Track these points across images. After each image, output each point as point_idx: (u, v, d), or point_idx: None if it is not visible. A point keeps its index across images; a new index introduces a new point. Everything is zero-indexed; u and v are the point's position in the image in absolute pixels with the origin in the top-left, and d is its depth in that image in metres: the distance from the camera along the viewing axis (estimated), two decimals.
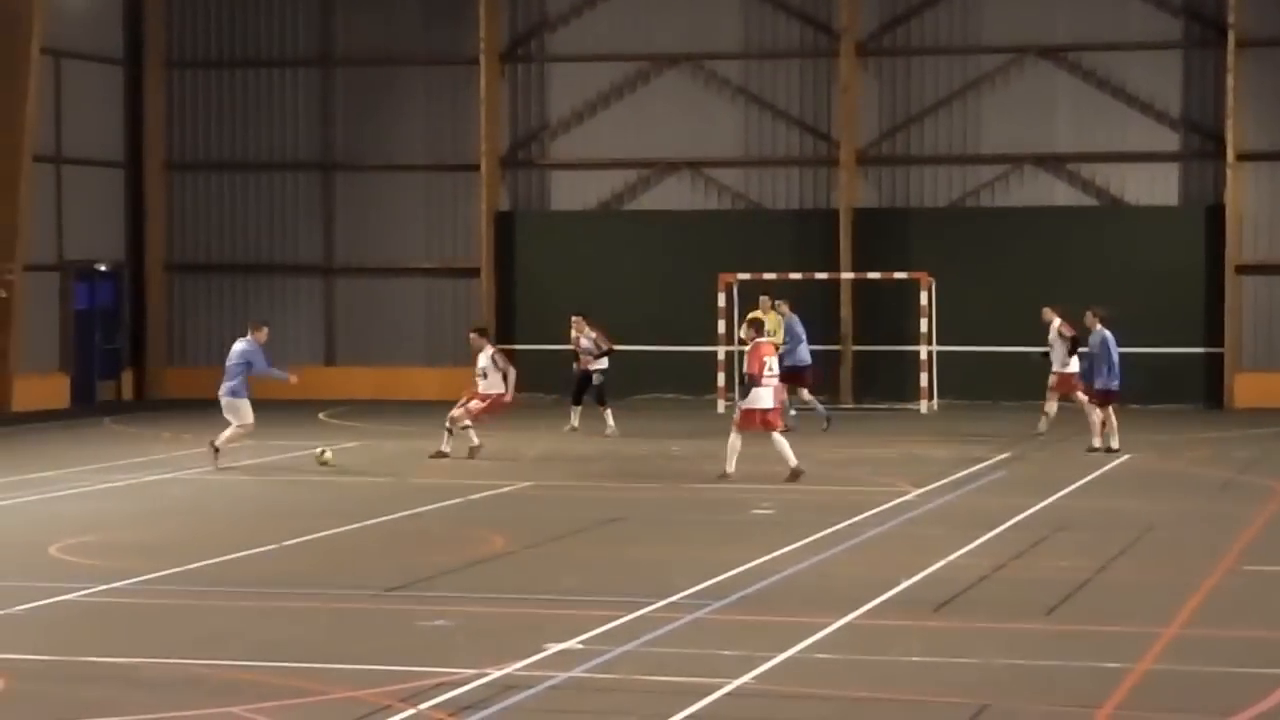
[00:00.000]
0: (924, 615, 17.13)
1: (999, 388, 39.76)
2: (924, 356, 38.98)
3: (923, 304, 38.62)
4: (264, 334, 29.75)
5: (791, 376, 32.45)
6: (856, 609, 17.12)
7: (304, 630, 16.76)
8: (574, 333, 34.36)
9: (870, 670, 14.93)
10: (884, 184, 42.11)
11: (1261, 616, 17.11)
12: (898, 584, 18.43)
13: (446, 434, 29.96)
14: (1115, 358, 30.52)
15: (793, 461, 26.58)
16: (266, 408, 33.60)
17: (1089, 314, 31.11)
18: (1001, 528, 22.41)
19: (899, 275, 39.54)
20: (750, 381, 26.54)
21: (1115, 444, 30.49)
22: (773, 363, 26.84)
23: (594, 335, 34.17)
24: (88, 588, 18.63)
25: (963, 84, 41.62)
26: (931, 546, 20.75)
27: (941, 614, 17.26)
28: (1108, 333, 30.62)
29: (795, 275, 39.95)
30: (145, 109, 44.41)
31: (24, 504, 25.49)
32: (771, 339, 28.47)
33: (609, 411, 33.63)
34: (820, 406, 34.64)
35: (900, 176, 42.06)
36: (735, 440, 26.80)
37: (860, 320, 40.39)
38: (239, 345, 29.35)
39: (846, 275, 40.77)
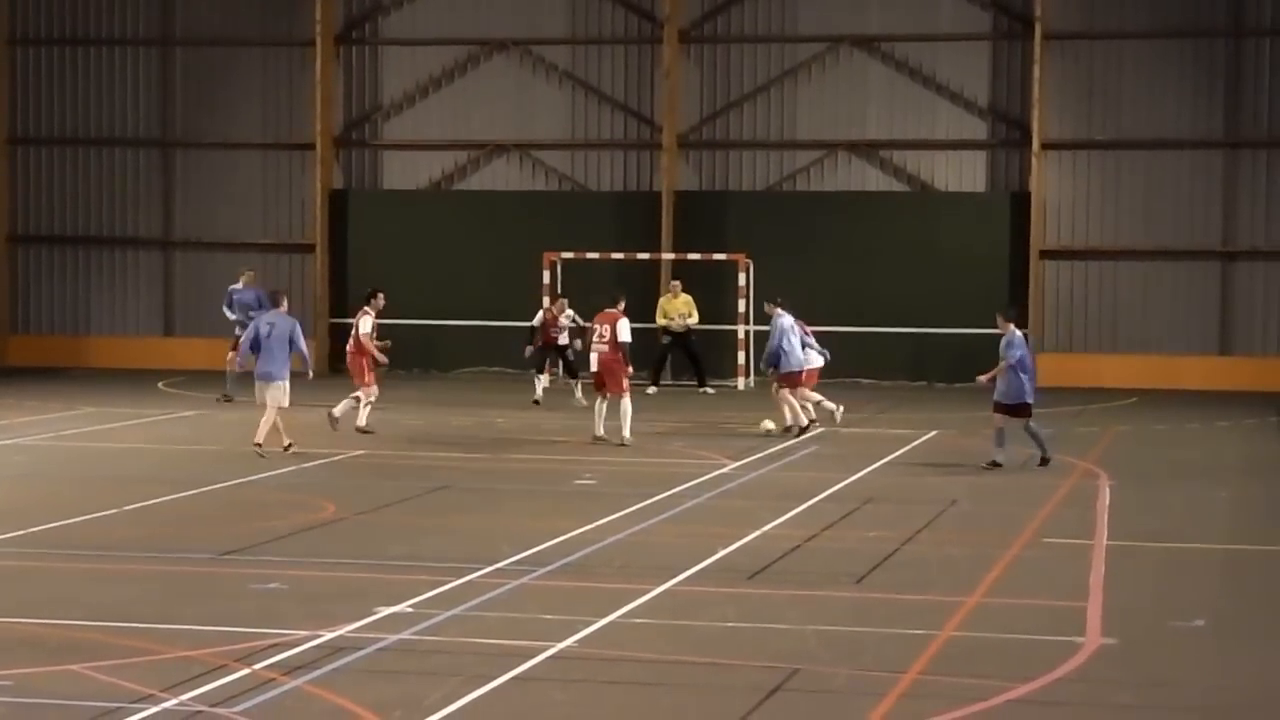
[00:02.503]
0: (739, 583, 17.53)
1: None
2: (741, 335, 39.64)
3: (740, 284, 39.27)
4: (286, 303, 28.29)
5: (789, 378, 30.22)
6: (674, 577, 17.52)
7: (141, 592, 16.92)
8: (555, 311, 36.03)
9: (687, 635, 15.26)
10: (704, 167, 42.61)
11: (1058, 587, 17.48)
12: (714, 553, 18.84)
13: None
14: (796, 341, 30.08)
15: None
16: (106, 377, 33.85)
17: (767, 304, 30.85)
18: (813, 500, 22.82)
19: (718, 256, 40.06)
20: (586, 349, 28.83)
21: (805, 421, 30.35)
22: (603, 330, 28.61)
23: (573, 314, 35.79)
24: None
25: (780, 72, 42.12)
26: (746, 517, 21.16)
27: (755, 582, 17.66)
28: (787, 318, 30.20)
29: (618, 255, 40.56)
30: None
31: None
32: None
33: (579, 384, 34.56)
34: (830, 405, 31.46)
35: (720, 160, 42.56)
36: (602, 405, 29.02)
37: None
38: (279, 318, 27.19)
39: (668, 256, 41.22)
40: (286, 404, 26.87)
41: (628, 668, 14.24)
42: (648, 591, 16.87)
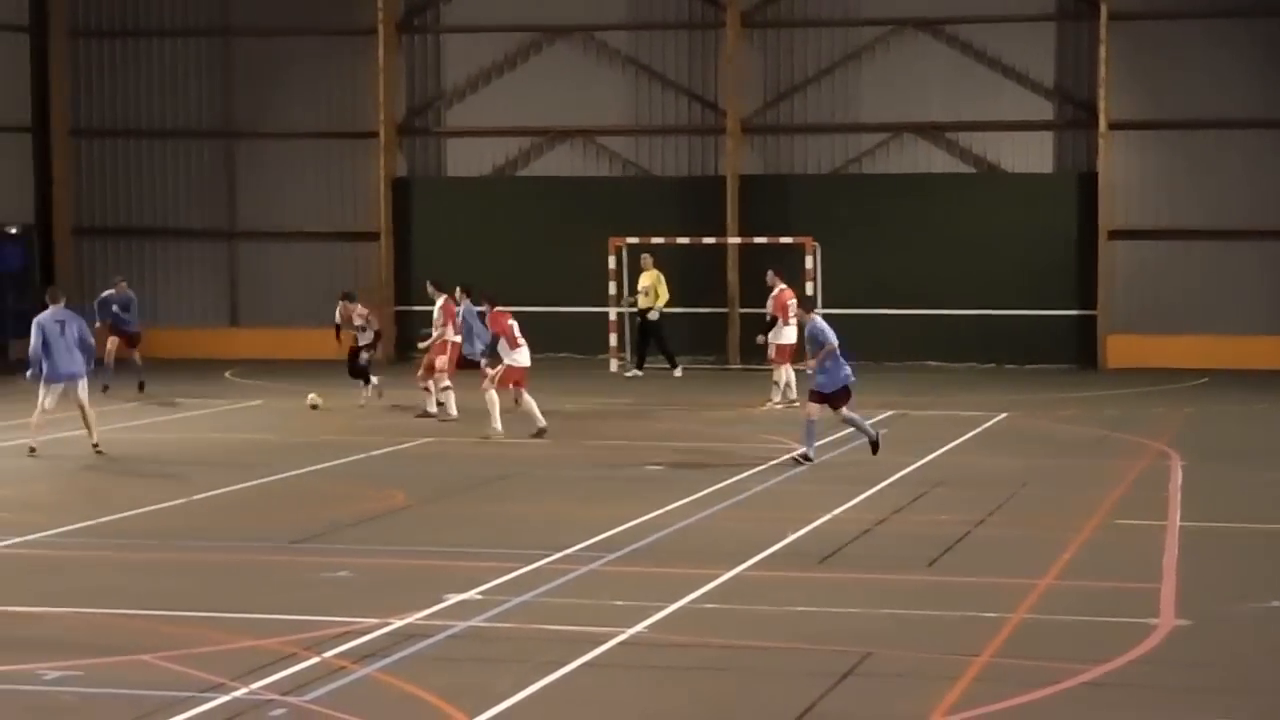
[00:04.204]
0: (809, 567, 17.53)
1: (881, 349, 40.49)
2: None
3: (807, 268, 39.19)
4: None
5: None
6: (744, 561, 17.53)
7: (211, 582, 17.06)
8: (349, 310, 33.16)
9: (758, 620, 15.26)
10: (768, 151, 42.55)
11: (1131, 569, 17.47)
12: (783, 537, 18.86)
13: (428, 394, 30.42)
14: (477, 328, 29.69)
15: (540, 422, 27.46)
16: (172, 367, 34.01)
17: (459, 290, 30.27)
18: (883, 484, 22.82)
19: (784, 240, 40.03)
20: (510, 344, 27.46)
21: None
22: (515, 325, 27.68)
23: (366, 313, 33.30)
24: (1, 541, 18.95)
25: (843, 55, 42.01)
26: (816, 502, 21.17)
27: (825, 566, 17.66)
28: (472, 306, 29.84)
29: (683, 240, 40.56)
30: (51, 76, 44.56)
31: None
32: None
33: (371, 383, 32.75)
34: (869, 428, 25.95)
35: (784, 144, 42.48)
36: (495, 396, 27.57)
37: (746, 284, 40.73)
38: (68, 315, 26.16)
39: (733, 240, 41.28)
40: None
41: (698, 653, 14.18)
42: (718, 576, 16.88)
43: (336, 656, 13.83)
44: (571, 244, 41.43)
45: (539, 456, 25.87)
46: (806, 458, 24.68)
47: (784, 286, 32.78)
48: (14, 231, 44.23)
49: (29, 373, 26.06)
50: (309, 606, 15.68)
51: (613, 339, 39.64)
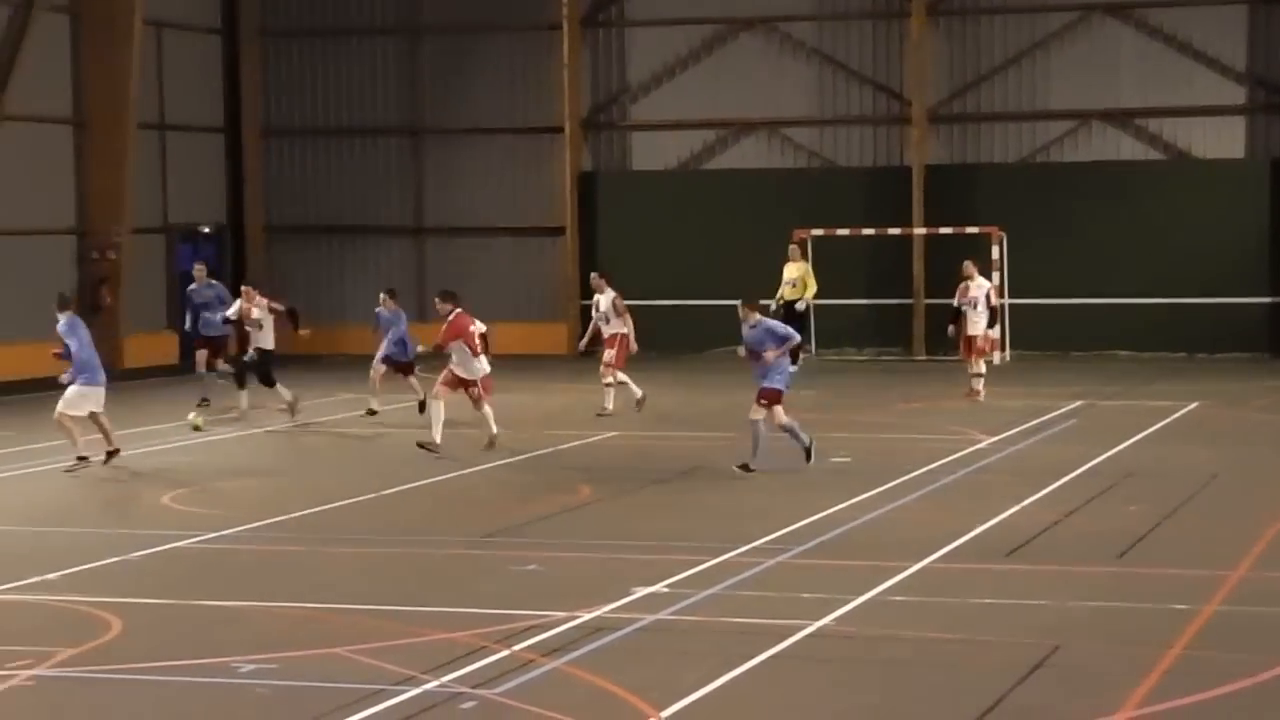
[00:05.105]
0: (997, 560, 17.44)
1: (1069, 339, 40.14)
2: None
3: (994, 258, 38.91)
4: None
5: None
6: (931, 554, 17.48)
7: (401, 576, 17.25)
8: (244, 303, 30.02)
9: (945, 612, 15.17)
10: (955, 141, 42.34)
11: None
12: (971, 530, 18.78)
13: (608, 390, 29.99)
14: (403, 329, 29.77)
15: (493, 429, 25.76)
16: (363, 363, 34.09)
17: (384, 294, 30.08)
18: (1071, 475, 22.64)
19: (970, 230, 39.81)
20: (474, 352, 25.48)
21: (376, 406, 29.98)
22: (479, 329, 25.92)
23: (265, 303, 30.03)
24: (198, 535, 19.31)
25: (1030, 42, 41.74)
26: (1003, 493, 21.08)
27: (1014, 558, 17.54)
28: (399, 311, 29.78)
29: (868, 231, 40.47)
30: (242, 77, 45.40)
31: (138, 456, 26.05)
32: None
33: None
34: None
35: (970, 133, 42.29)
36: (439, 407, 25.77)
37: (932, 274, 40.58)
38: (79, 321, 24.99)
39: (919, 230, 41.11)
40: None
41: (886, 646, 14.13)
42: (904, 569, 16.83)
43: (526, 650, 13.89)
44: (756, 237, 41.39)
45: (723, 450, 25.72)
46: (747, 467, 23.12)
47: (980, 278, 32.30)
48: (207, 231, 45.08)
49: (68, 376, 24.63)
50: (498, 600, 15.77)
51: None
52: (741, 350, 23.48)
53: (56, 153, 40.55)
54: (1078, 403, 30.74)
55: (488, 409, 25.77)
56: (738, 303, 24.11)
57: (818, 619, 14.77)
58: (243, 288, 30.73)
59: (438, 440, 25.43)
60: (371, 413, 30.15)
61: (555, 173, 43.91)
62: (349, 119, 45.29)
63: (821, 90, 42.77)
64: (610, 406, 29.86)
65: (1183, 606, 15.17)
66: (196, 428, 28.69)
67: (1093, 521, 19.69)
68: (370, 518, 20.63)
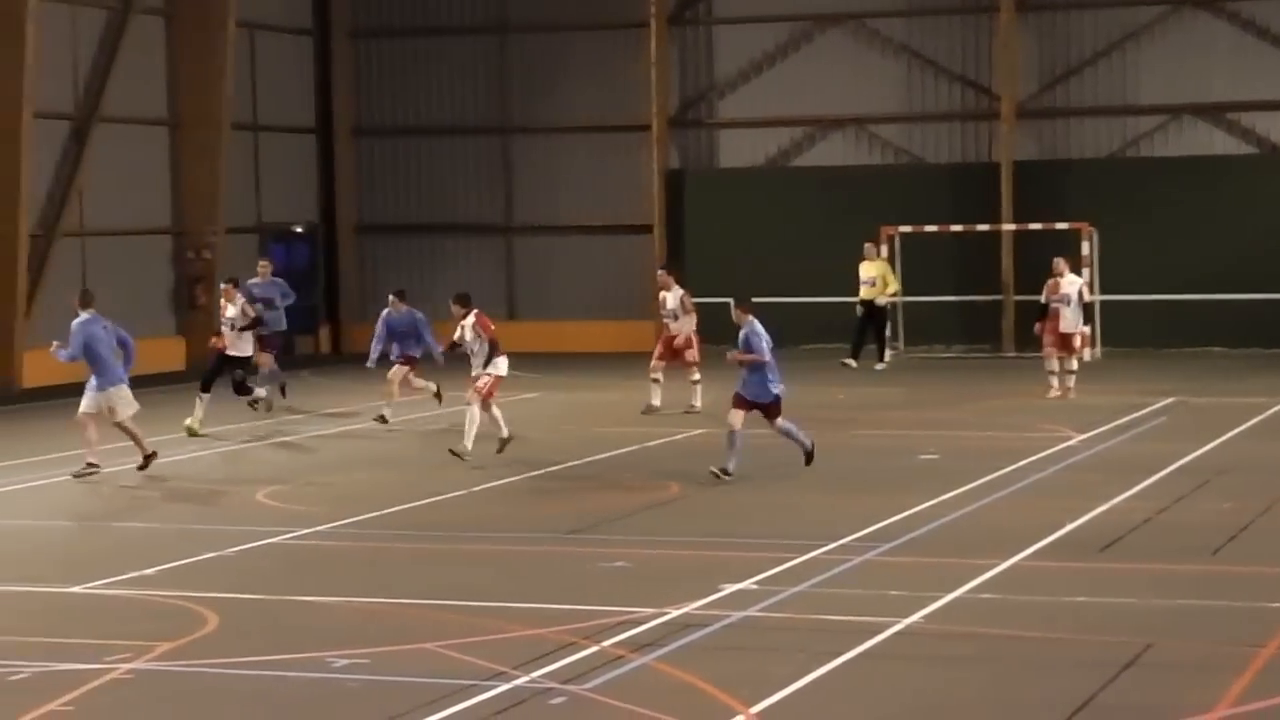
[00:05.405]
0: (1087, 557, 17.34)
1: (1160, 335, 39.88)
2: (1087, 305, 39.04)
3: (1084, 254, 38.68)
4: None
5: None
6: (1020, 551, 17.42)
7: (490, 571, 17.34)
8: (223, 301, 29.09)
9: (1035, 610, 15.11)
10: (1043, 136, 42.12)
11: None
12: (1061, 527, 18.72)
13: (654, 386, 29.91)
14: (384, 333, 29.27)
15: (504, 432, 25.17)
16: (454, 362, 34.21)
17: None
18: (1164, 472, 22.55)
19: (1060, 226, 39.56)
20: (494, 350, 25.18)
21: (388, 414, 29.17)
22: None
23: (243, 304, 28.88)
24: (291, 532, 19.53)
25: (1120, 36, 41.42)
26: (1094, 490, 20.97)
27: (1105, 556, 17.45)
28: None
29: (956, 227, 40.33)
30: (333, 77, 45.66)
31: (234, 452, 26.43)
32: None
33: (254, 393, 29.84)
34: None
35: (1060, 128, 42.04)
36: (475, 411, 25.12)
37: (1020, 271, 40.36)
38: (102, 320, 23.92)
39: (1008, 227, 40.88)
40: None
41: (976, 643, 14.13)
42: (994, 566, 16.79)
43: (614, 645, 13.96)
44: (844, 234, 41.24)
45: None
46: (726, 472, 22.56)
47: (1070, 275, 32.07)
48: (299, 230, 45.41)
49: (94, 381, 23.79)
50: (587, 596, 15.84)
51: (888, 329, 39.35)
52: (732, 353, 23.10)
53: (152, 153, 40.95)
54: (1170, 399, 30.58)
55: (497, 410, 25.24)
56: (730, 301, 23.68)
57: (906, 616, 14.76)
58: (222, 285, 29.72)
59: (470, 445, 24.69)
60: (382, 419, 28.95)
61: (643, 171, 43.95)
62: (438, 118, 45.46)
63: (909, 86, 42.64)
64: (698, 404, 29.84)
65: (1277, 605, 15.10)
66: (193, 433, 27.59)
67: (1185, 518, 19.59)
68: (459, 514, 20.74)
